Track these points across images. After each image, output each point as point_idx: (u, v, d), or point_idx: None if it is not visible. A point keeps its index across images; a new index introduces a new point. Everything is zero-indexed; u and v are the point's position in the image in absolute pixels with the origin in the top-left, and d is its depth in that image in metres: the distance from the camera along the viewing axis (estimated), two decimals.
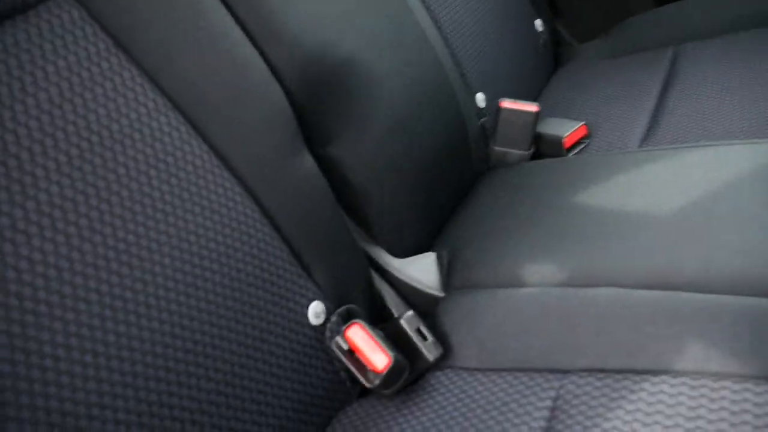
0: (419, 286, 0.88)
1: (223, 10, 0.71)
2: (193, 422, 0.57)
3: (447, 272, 0.87)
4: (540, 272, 0.75)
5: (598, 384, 0.60)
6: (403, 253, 0.91)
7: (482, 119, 1.04)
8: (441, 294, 0.85)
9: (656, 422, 0.55)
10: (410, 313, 0.71)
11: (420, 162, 0.92)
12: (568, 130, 1.03)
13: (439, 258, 0.89)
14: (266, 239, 0.66)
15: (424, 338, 0.71)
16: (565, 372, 0.63)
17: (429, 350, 0.70)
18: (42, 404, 0.48)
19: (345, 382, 0.72)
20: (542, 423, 0.59)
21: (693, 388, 0.56)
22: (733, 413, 0.53)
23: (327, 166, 0.81)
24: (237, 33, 0.71)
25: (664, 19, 1.31)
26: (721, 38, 1.16)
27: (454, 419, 0.64)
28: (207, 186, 0.63)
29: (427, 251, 0.91)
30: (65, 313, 0.51)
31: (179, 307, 0.58)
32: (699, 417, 0.54)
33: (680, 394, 0.57)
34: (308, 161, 0.74)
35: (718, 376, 0.57)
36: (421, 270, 0.89)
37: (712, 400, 0.55)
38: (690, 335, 0.60)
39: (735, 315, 0.60)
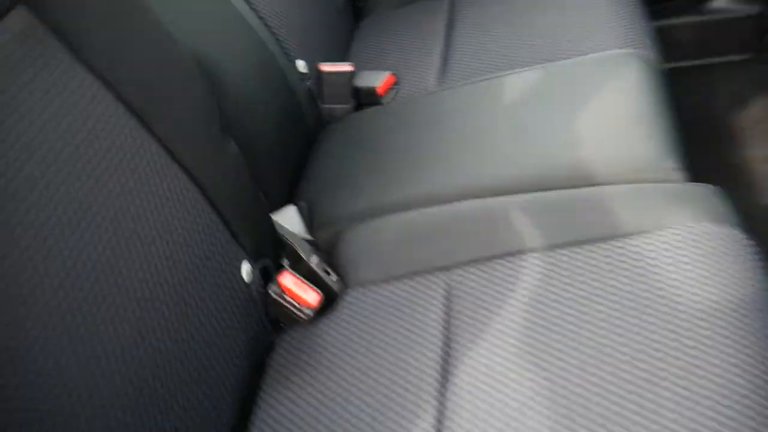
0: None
1: (154, 9, 0.76)
2: (154, 375, 0.66)
3: (309, 219, 1.05)
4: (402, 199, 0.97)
5: (477, 270, 0.83)
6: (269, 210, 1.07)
7: (307, 82, 1.21)
8: (310, 237, 1.03)
9: (525, 289, 0.79)
10: (315, 257, 0.89)
11: (266, 132, 1.08)
12: (379, 81, 1.24)
13: (300, 209, 1.06)
14: (208, 222, 0.78)
15: (329, 274, 0.89)
16: (450, 267, 0.85)
17: (335, 285, 0.89)
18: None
19: (265, 324, 0.88)
20: (442, 307, 0.81)
21: (543, 260, 0.81)
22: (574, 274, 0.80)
23: None
24: (167, 31, 0.77)
25: None
26: None
27: (372, 326, 0.84)
28: (162, 184, 0.71)
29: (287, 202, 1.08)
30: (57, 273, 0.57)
31: (145, 293, 0.67)
32: (550, 284, 0.79)
33: (535, 266, 0.81)
34: (232, 144, 0.85)
35: (553, 246, 0.83)
36: (287, 220, 1.06)
37: (562, 268, 0.80)
38: (532, 224, 0.85)
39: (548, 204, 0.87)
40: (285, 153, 1.14)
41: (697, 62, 1.65)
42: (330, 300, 0.89)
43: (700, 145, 1.37)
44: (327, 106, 1.22)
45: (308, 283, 0.84)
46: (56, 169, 0.59)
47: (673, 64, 1.25)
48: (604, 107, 1.02)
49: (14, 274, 0.54)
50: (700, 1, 1.63)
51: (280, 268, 0.91)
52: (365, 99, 1.24)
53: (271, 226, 0.91)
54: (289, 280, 0.84)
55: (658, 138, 0.95)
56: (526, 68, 1.15)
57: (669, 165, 0.92)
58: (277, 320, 0.86)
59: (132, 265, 0.65)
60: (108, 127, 0.66)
